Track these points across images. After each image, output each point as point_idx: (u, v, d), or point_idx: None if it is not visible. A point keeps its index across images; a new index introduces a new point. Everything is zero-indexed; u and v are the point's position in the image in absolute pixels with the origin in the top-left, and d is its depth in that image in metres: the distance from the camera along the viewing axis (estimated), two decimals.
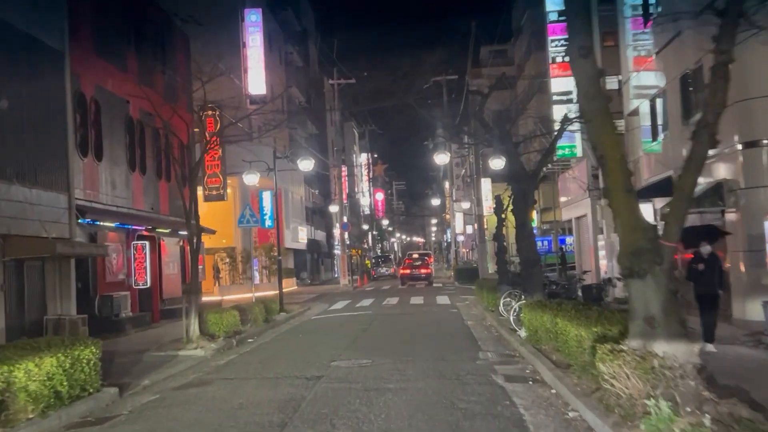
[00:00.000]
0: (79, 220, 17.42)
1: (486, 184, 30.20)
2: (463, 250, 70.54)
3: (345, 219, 42.35)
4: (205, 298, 34.61)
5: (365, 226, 66.17)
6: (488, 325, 16.95)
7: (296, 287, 44.48)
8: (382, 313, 21.76)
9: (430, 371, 10.35)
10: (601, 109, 6.67)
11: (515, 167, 12.97)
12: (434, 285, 39.01)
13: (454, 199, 48.80)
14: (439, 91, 46.20)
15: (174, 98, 23.60)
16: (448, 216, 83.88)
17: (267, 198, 30.98)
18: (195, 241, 16.16)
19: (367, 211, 71.69)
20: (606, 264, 22.61)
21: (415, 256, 47.62)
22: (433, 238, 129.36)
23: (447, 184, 78.91)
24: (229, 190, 36.99)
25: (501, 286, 18.48)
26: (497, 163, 24.84)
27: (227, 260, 38.36)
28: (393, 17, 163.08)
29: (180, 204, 25.95)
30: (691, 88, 16.98)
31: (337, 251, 72.47)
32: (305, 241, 49.31)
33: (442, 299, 26.93)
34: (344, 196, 66.84)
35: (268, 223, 29.34)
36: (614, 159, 6.64)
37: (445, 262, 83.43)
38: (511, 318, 14.97)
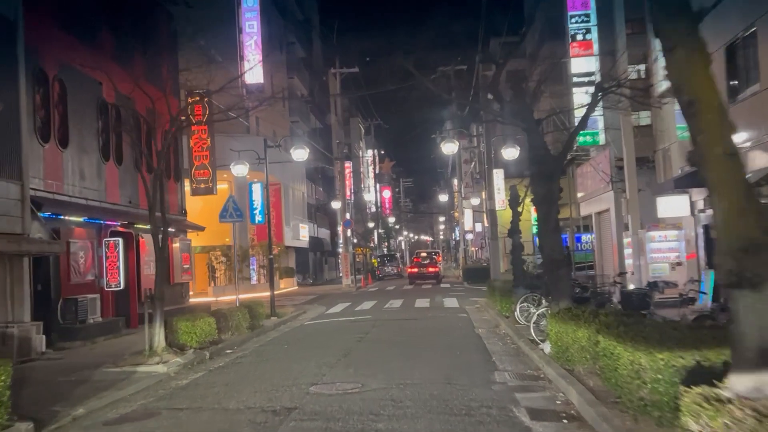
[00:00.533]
0: (39, 214, 15.29)
1: (498, 176, 27.75)
2: (472, 248, 68.23)
3: (348, 216, 40.19)
4: (197, 299, 32.47)
5: (371, 224, 63.94)
6: (503, 335, 14.70)
7: (296, 287, 42.35)
8: (382, 319, 19.54)
9: (433, 402, 8.10)
10: (689, 32, 4.46)
11: (537, 147, 10.73)
12: (442, 285, 36.80)
13: (462, 195, 46.43)
14: (446, 83, 44.09)
15: (155, 81, 21.55)
16: (456, 213, 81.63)
17: (257, 191, 28.42)
18: (161, 236, 13.95)
19: (373, 209, 69.49)
20: (632, 264, 20.32)
21: (423, 254, 46.11)
22: (441, 237, 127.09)
23: (456, 181, 76.70)
24: (225, 186, 34.92)
25: (517, 288, 16.23)
26: (510, 153, 22.58)
27: (222, 259, 36.22)
28: (400, 8, 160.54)
29: (167, 199, 23.93)
30: (740, 59, 14.65)
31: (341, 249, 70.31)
32: (307, 239, 47.15)
33: (450, 302, 24.69)
34: (348, 193, 64.72)
35: (258, 218, 26.85)
36: (711, 105, 4.41)
37: (453, 261, 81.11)
38: (531, 327, 12.72)
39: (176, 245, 23.46)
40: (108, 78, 16.60)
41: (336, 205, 40.17)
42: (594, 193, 26.23)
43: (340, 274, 65.87)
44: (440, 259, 54.29)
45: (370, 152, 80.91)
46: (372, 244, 66.16)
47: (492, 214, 21.99)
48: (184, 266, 23.85)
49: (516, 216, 16.77)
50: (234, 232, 20.51)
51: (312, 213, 53.91)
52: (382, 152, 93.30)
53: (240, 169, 21.53)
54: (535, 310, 13.51)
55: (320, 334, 16.59)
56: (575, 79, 21.75)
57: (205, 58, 28.92)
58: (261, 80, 35.84)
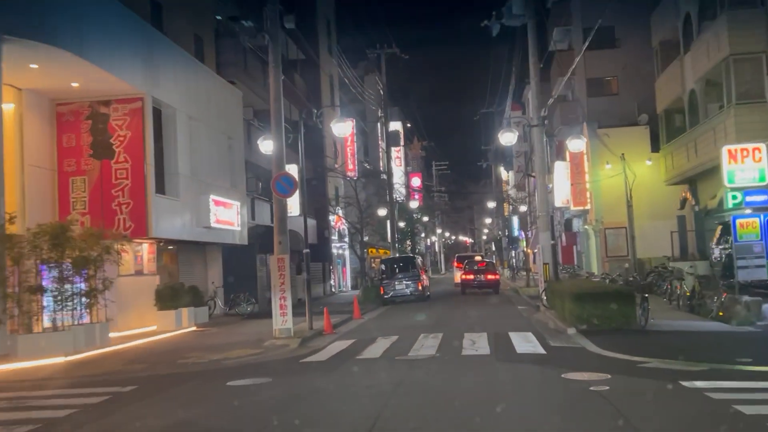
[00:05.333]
0: None
1: None
2: (528, 251, 45.16)
3: (288, 169, 17.54)
4: None
5: (382, 211, 41.11)
6: None
7: (195, 327, 19.83)
8: None
9: None
10: None
11: None
12: (519, 351, 13.11)
13: (556, 135, 22.58)
14: None
15: None
16: (506, 202, 58.50)
17: None
18: None
19: (398, 195, 45.78)
20: None
21: (478, 258, 41.63)
22: (484, 237, 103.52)
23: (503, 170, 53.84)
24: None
25: None
26: None
27: None
28: None
29: None
30: None
31: (341, 249, 47.24)
32: (237, 228, 24.32)
33: None
34: (350, 164, 42.15)
35: None
36: None
37: (507, 267, 57.63)
38: None
39: None
40: None
41: (266, 146, 17.08)
42: None
43: (334, 288, 43.32)
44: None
45: (392, 124, 57.56)
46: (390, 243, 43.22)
47: None
48: None
49: None
50: None
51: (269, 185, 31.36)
52: (409, 125, 70.40)
53: None
54: None
55: None
56: None
57: None
58: None
